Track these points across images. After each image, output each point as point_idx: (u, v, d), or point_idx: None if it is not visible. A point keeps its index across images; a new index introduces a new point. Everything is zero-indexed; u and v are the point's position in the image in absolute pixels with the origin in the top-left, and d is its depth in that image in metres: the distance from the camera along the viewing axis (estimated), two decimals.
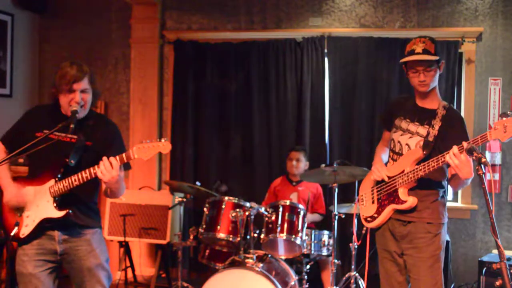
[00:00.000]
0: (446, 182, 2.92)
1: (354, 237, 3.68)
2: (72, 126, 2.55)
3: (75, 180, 2.58)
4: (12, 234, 2.60)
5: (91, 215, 2.76)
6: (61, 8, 5.50)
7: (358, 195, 3.22)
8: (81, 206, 2.71)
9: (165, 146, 2.56)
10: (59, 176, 2.62)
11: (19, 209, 2.66)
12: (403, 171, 2.83)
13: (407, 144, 2.88)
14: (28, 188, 2.67)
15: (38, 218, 2.62)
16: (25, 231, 2.62)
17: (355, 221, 3.55)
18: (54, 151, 2.63)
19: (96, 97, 2.73)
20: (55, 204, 2.61)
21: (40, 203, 2.63)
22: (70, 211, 2.61)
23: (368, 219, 3.02)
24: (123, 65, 5.38)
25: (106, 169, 2.51)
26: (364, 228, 3.15)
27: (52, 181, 2.63)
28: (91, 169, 2.56)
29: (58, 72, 2.64)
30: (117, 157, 2.55)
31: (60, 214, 2.60)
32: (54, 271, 2.70)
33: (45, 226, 2.62)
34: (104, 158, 2.53)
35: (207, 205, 3.97)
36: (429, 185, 2.84)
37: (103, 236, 2.84)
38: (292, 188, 4.54)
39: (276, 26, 5.04)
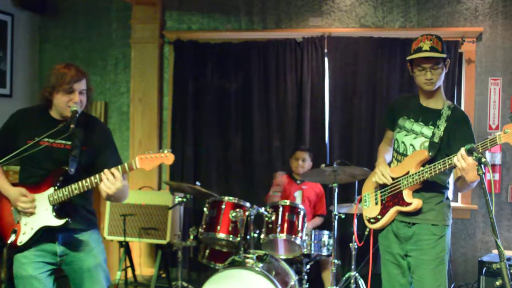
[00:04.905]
0: (449, 184, 2.90)
1: (356, 238, 3.66)
2: (72, 126, 2.52)
3: (75, 189, 2.55)
4: (9, 242, 2.53)
5: (89, 217, 2.75)
6: (61, 8, 5.50)
7: (359, 195, 3.19)
8: (79, 210, 2.69)
9: (168, 158, 2.54)
10: (58, 184, 2.60)
11: (17, 216, 2.61)
12: (407, 173, 2.79)
13: (411, 145, 2.85)
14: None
15: (37, 226, 2.58)
16: (22, 239, 2.58)
17: (355, 221, 3.54)
18: (48, 158, 2.60)
19: (90, 101, 2.69)
20: (54, 213, 2.58)
21: (38, 211, 2.59)
22: (69, 220, 2.59)
23: (372, 220, 2.99)
24: (123, 65, 5.38)
25: (110, 182, 2.48)
26: (367, 229, 3.13)
27: (51, 189, 2.60)
28: (92, 178, 2.53)
29: (54, 72, 2.59)
30: (119, 167, 2.53)
31: (59, 222, 2.58)
32: (53, 273, 2.68)
33: (43, 232, 2.59)
34: (106, 171, 2.49)
35: (207, 205, 3.97)
36: (433, 187, 2.81)
37: (100, 236, 2.83)
38: (297, 186, 4.54)
39: (276, 26, 5.04)
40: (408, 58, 2.80)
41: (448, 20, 4.76)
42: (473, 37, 4.66)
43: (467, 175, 2.50)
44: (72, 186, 2.56)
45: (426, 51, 2.72)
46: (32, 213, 2.59)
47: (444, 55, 2.74)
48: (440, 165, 2.61)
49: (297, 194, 4.49)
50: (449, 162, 2.56)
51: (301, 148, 4.58)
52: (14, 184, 2.66)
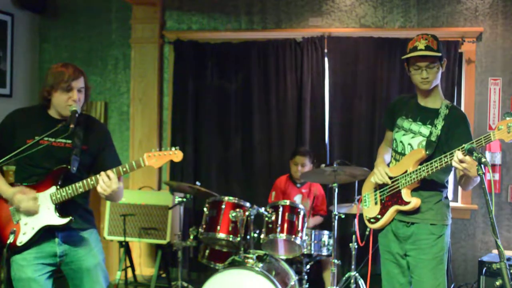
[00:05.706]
0: (448, 183, 2.90)
1: (358, 238, 3.65)
2: (72, 126, 2.52)
3: (80, 187, 2.56)
4: (8, 242, 2.51)
5: (87, 217, 2.75)
6: (61, 8, 5.50)
7: (359, 195, 3.20)
8: (79, 210, 2.69)
9: (177, 155, 2.59)
10: (59, 183, 2.59)
11: (16, 216, 2.60)
12: (405, 172, 2.81)
13: (409, 144, 2.86)
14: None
15: (38, 225, 2.57)
16: (22, 239, 2.56)
17: (357, 221, 3.53)
18: (48, 157, 2.60)
19: (88, 100, 2.70)
20: (57, 212, 2.58)
21: (39, 210, 2.58)
22: (72, 218, 2.59)
23: (372, 220, 3.00)
24: (123, 65, 5.38)
25: (106, 185, 2.50)
26: (368, 229, 3.13)
27: (53, 188, 2.59)
28: (98, 176, 2.53)
29: (51, 71, 2.60)
30: (127, 165, 2.55)
31: (63, 221, 2.58)
32: (52, 275, 2.66)
33: (44, 232, 2.59)
34: (102, 173, 2.52)
35: (207, 205, 3.97)
36: (432, 186, 2.82)
37: (99, 235, 2.83)
38: (297, 190, 4.53)
39: (276, 26, 5.04)
40: (403, 57, 2.83)
41: (448, 20, 4.75)
42: (473, 37, 4.66)
43: (469, 172, 2.51)
44: (76, 184, 2.56)
45: (421, 50, 2.73)
46: (35, 212, 2.57)
47: (439, 54, 2.75)
48: (437, 163, 2.63)
49: (297, 198, 4.49)
50: (445, 160, 2.58)
51: (301, 152, 4.49)
52: (11, 184, 2.65)
